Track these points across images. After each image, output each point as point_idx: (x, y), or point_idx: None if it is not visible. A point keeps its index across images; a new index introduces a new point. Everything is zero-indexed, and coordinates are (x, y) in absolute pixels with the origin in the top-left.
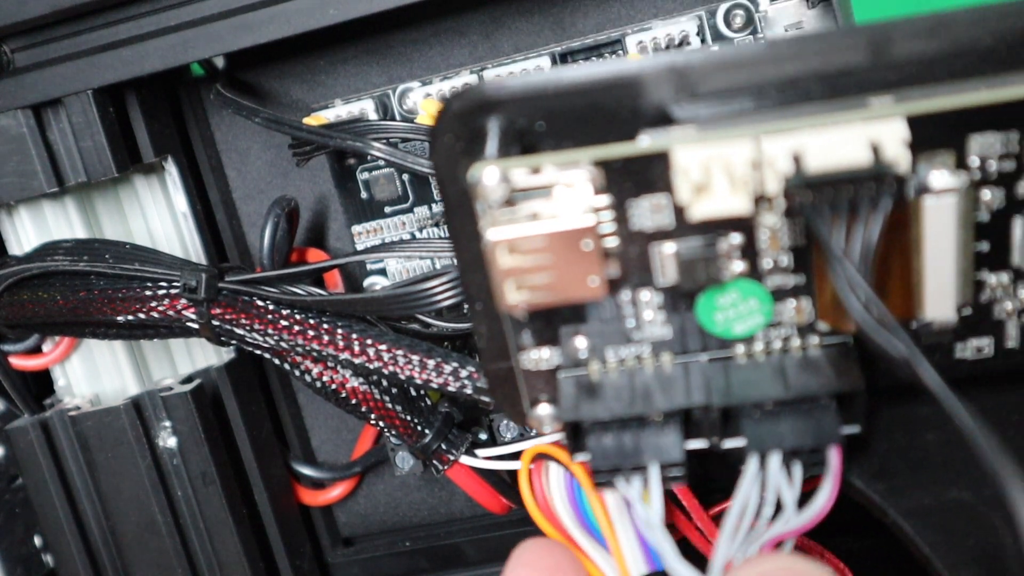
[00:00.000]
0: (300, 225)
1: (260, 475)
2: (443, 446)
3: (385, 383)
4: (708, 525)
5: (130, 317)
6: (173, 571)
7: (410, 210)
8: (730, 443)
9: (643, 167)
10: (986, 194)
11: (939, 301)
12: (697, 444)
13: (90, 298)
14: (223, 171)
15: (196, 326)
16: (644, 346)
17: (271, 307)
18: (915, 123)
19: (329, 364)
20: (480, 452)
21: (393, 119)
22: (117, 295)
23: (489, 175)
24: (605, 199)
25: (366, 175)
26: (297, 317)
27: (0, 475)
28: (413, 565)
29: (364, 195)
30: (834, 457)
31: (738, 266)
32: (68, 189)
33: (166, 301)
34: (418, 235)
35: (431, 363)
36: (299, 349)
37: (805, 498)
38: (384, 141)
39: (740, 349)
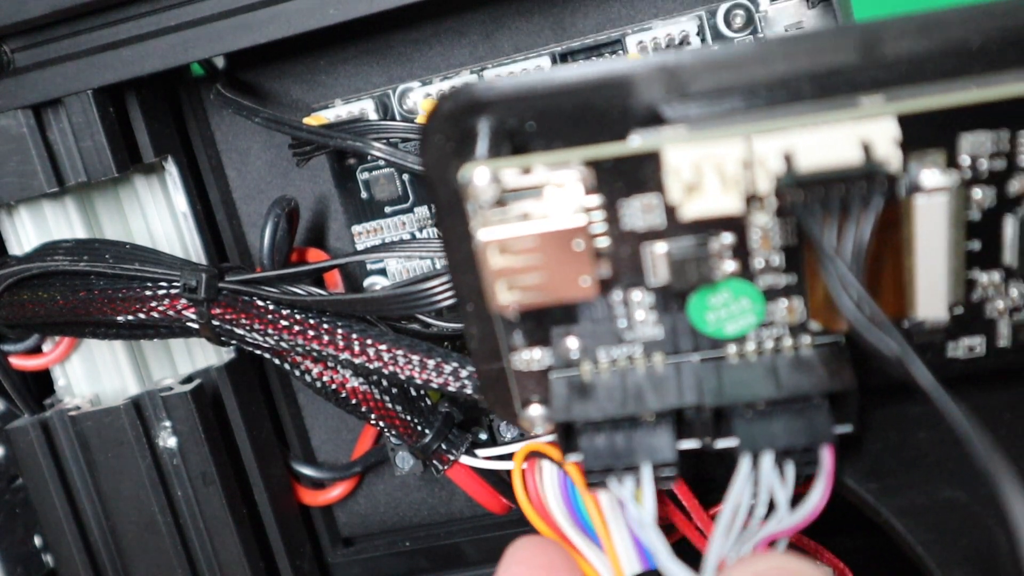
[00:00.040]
0: (300, 225)
1: (260, 475)
2: (443, 446)
3: (385, 383)
4: (707, 524)
5: (130, 317)
6: (173, 571)
7: (410, 210)
8: (722, 443)
9: (634, 167)
10: (977, 193)
11: (931, 300)
12: (689, 444)
13: (90, 298)
14: (223, 171)
15: (196, 326)
16: (636, 346)
17: (271, 307)
18: (906, 122)
19: (329, 364)
20: (480, 452)
21: (393, 119)
22: (117, 295)
23: (480, 175)
24: (596, 199)
25: (366, 175)
26: (297, 317)
27: (0, 475)
28: (413, 565)
29: (364, 195)
30: (827, 456)
31: (730, 266)
32: (68, 189)
33: (166, 301)
34: (418, 235)
35: (431, 363)
36: (299, 349)
37: (800, 499)
38: (384, 141)
39: (732, 349)
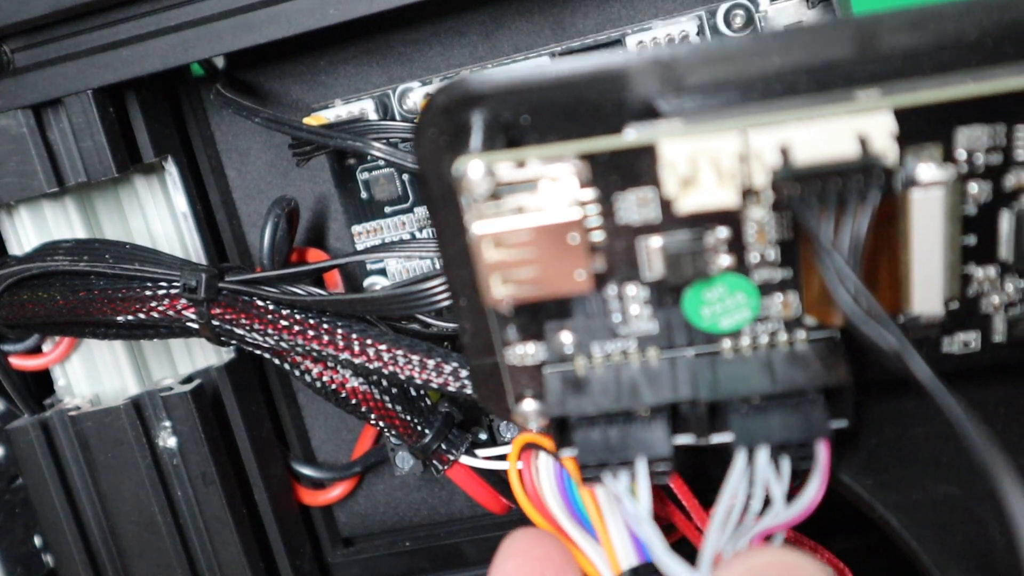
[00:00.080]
0: (300, 225)
1: (260, 475)
2: (443, 446)
3: (385, 383)
4: (707, 524)
5: (130, 317)
6: (173, 571)
7: (410, 210)
8: (718, 438)
9: (629, 160)
10: (973, 187)
11: (926, 295)
12: (684, 439)
13: (90, 298)
14: (223, 171)
15: (196, 326)
16: (630, 341)
17: (271, 307)
18: (902, 116)
19: (329, 364)
20: (480, 452)
21: (393, 119)
22: (117, 295)
23: (474, 169)
24: (591, 193)
25: (366, 175)
26: (297, 317)
27: (0, 475)
28: (413, 565)
29: (364, 195)
30: (822, 451)
31: (725, 260)
32: (68, 189)
33: (166, 301)
34: (418, 235)
35: (431, 363)
36: (299, 349)
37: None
38: (384, 141)
39: (727, 344)
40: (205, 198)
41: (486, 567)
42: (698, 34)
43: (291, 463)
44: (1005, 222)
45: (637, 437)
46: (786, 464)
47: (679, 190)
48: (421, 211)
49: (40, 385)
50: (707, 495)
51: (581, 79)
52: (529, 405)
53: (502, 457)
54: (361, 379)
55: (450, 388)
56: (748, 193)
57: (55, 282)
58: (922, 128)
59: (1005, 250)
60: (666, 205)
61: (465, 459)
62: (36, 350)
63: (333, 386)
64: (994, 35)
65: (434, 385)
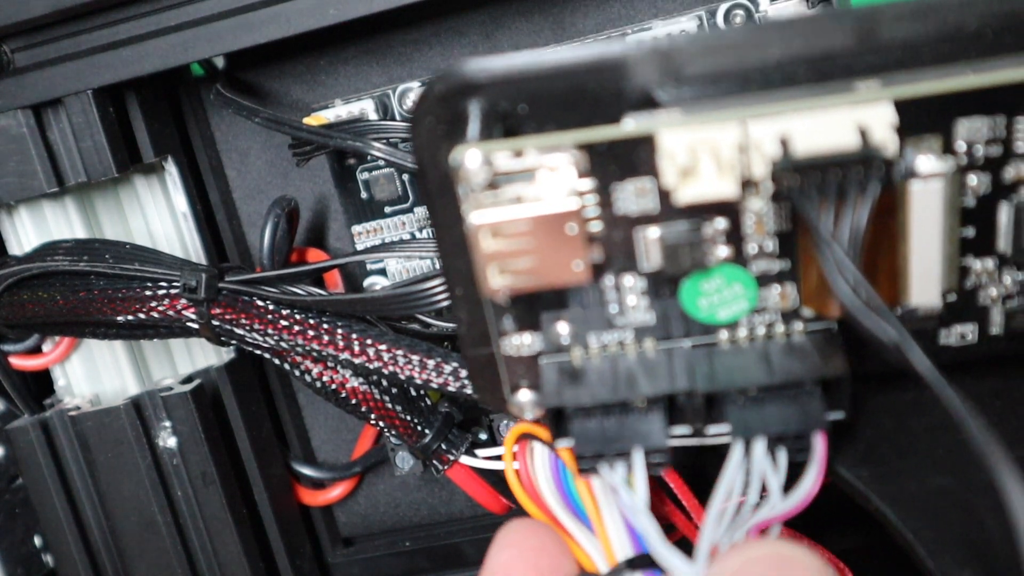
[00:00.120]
0: (300, 225)
1: (260, 475)
2: (443, 446)
3: (385, 383)
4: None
5: (130, 317)
6: (173, 571)
7: (410, 210)
8: (714, 429)
9: (628, 151)
10: (972, 179)
11: (924, 287)
12: (681, 430)
13: (90, 298)
14: (223, 171)
15: (196, 326)
16: (627, 332)
17: (271, 307)
18: (902, 107)
19: (329, 364)
20: (480, 452)
21: (393, 119)
22: (117, 295)
23: (471, 158)
24: (589, 183)
25: (366, 175)
26: (297, 317)
27: (0, 475)
28: (413, 565)
29: (364, 195)
30: (819, 443)
31: (723, 251)
32: (68, 189)
33: (166, 301)
34: (418, 235)
35: (431, 363)
36: (299, 349)
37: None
38: (384, 141)
39: (724, 335)
40: (205, 198)
41: None
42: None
43: (291, 463)
44: (1004, 214)
45: (633, 428)
46: (783, 456)
47: (678, 181)
48: (421, 211)
49: (40, 385)
50: (707, 495)
51: (580, 68)
52: (525, 396)
53: (502, 457)
54: (361, 379)
55: (450, 388)
56: (747, 184)
57: (55, 282)
58: (922, 119)
59: (1003, 242)
60: (664, 196)
61: (465, 459)
62: (36, 350)
63: (333, 386)
64: (995, 26)
65: (434, 385)
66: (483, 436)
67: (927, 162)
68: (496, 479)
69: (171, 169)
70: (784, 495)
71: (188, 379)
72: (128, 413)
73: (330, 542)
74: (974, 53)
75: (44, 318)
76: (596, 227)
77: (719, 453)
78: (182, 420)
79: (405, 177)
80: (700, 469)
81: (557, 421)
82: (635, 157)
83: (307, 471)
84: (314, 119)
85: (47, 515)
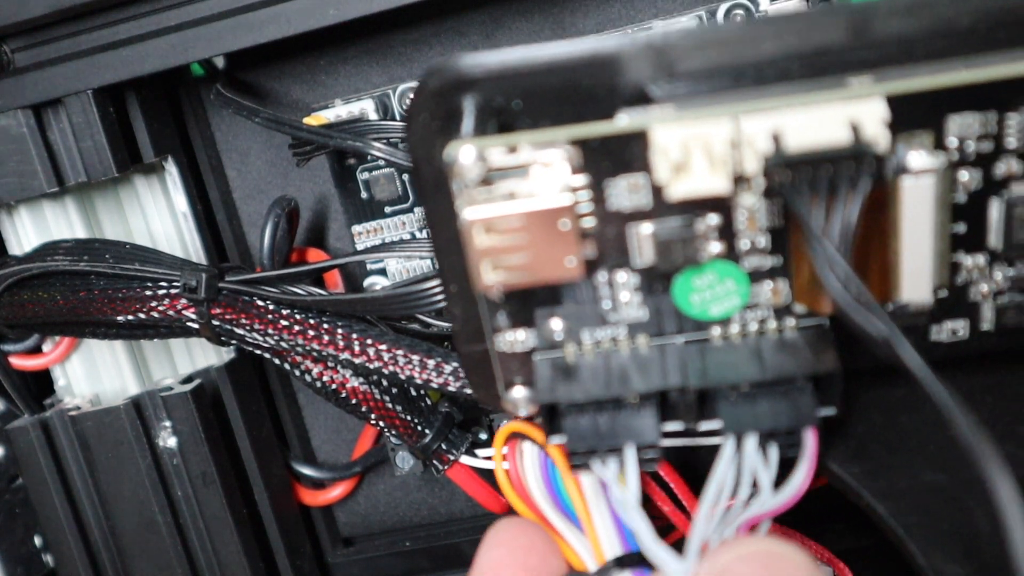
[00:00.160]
0: (300, 225)
1: (260, 475)
2: (443, 446)
3: (385, 383)
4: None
5: (130, 317)
6: (173, 571)
7: (410, 210)
8: (706, 425)
9: (621, 146)
10: (963, 175)
11: (916, 283)
12: (673, 426)
13: (90, 298)
14: (223, 171)
15: (196, 326)
16: (620, 328)
17: (271, 307)
18: (894, 103)
19: (329, 364)
20: (480, 452)
21: (393, 119)
22: (117, 295)
23: (465, 154)
24: (582, 179)
25: (366, 175)
26: (297, 317)
27: (0, 475)
28: (413, 565)
29: (364, 195)
30: (810, 439)
31: (715, 247)
32: (68, 189)
33: (166, 301)
34: (418, 235)
35: (431, 363)
36: (299, 349)
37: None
38: (384, 141)
39: (716, 331)
40: (205, 198)
41: None
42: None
43: (291, 463)
44: (995, 210)
45: (626, 424)
46: (774, 451)
47: (670, 176)
48: (421, 211)
49: (40, 385)
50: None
51: (574, 64)
52: (519, 392)
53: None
54: (361, 379)
55: (450, 388)
56: (740, 180)
57: (55, 282)
58: (914, 115)
59: (994, 238)
60: (657, 191)
61: (465, 459)
62: (36, 350)
63: (333, 386)
64: (987, 22)
65: (434, 385)
66: (483, 436)
67: (918, 158)
68: (496, 479)
69: (171, 169)
70: (775, 491)
71: (188, 379)
72: (128, 413)
73: (330, 542)
74: (966, 49)
75: (44, 318)
76: (589, 223)
77: (712, 448)
78: (182, 420)
79: (405, 177)
80: (694, 465)
81: (550, 417)
82: (628, 153)
83: (307, 471)
84: (314, 119)
85: (47, 515)
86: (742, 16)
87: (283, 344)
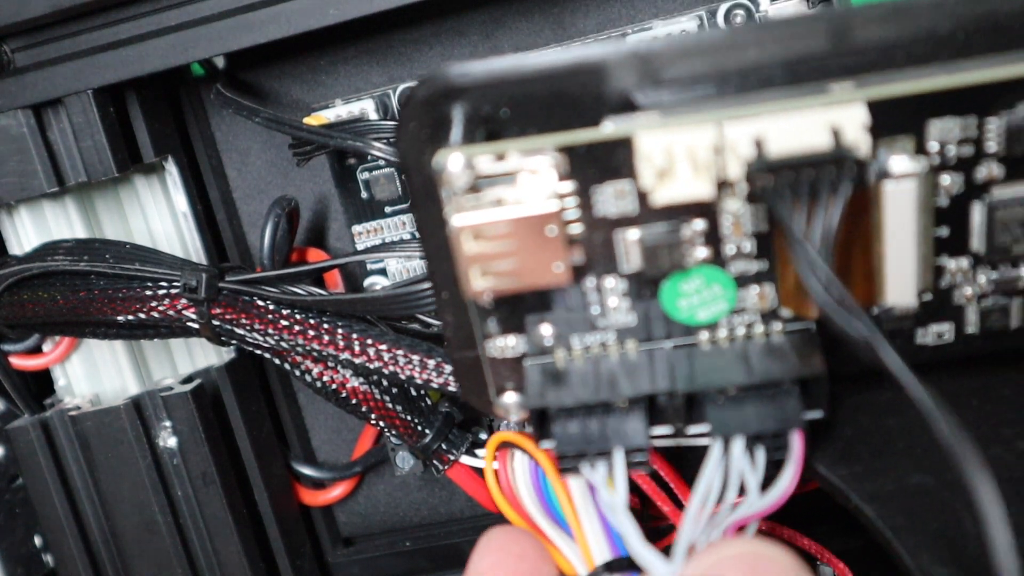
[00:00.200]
0: (300, 225)
1: (260, 475)
2: (443, 446)
3: (385, 383)
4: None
5: (130, 317)
6: (173, 571)
7: (410, 210)
8: (694, 429)
9: (607, 153)
10: (945, 179)
11: (900, 286)
12: (662, 430)
13: (90, 298)
14: (223, 171)
15: (196, 326)
16: (609, 333)
17: (271, 307)
18: (875, 108)
19: (329, 364)
20: (480, 452)
21: (393, 119)
22: (117, 295)
23: (454, 162)
24: (569, 185)
25: (366, 175)
26: (297, 317)
27: (0, 475)
28: (413, 565)
29: (364, 195)
30: (796, 441)
31: (702, 252)
32: (68, 189)
33: (166, 301)
34: (418, 235)
35: (431, 363)
36: (299, 349)
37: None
38: (384, 141)
39: (704, 335)
40: (205, 198)
41: None
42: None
43: (291, 463)
44: (977, 214)
45: (615, 428)
46: (761, 454)
47: (655, 182)
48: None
49: (40, 385)
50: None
51: (560, 72)
52: (510, 397)
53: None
54: (361, 379)
55: (451, 388)
56: (723, 185)
57: (55, 282)
58: (895, 120)
59: (977, 241)
60: (643, 197)
61: (465, 459)
62: (36, 350)
63: (333, 386)
64: (966, 28)
65: (434, 385)
66: (483, 436)
67: (900, 162)
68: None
69: (171, 169)
70: (762, 493)
71: (188, 379)
72: (128, 413)
73: (330, 542)
74: (946, 55)
75: (44, 318)
76: (576, 229)
77: (702, 448)
78: (182, 420)
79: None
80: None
81: (540, 422)
82: (614, 159)
83: (307, 471)
84: (314, 119)
85: (47, 515)
86: (742, 16)
87: (283, 344)
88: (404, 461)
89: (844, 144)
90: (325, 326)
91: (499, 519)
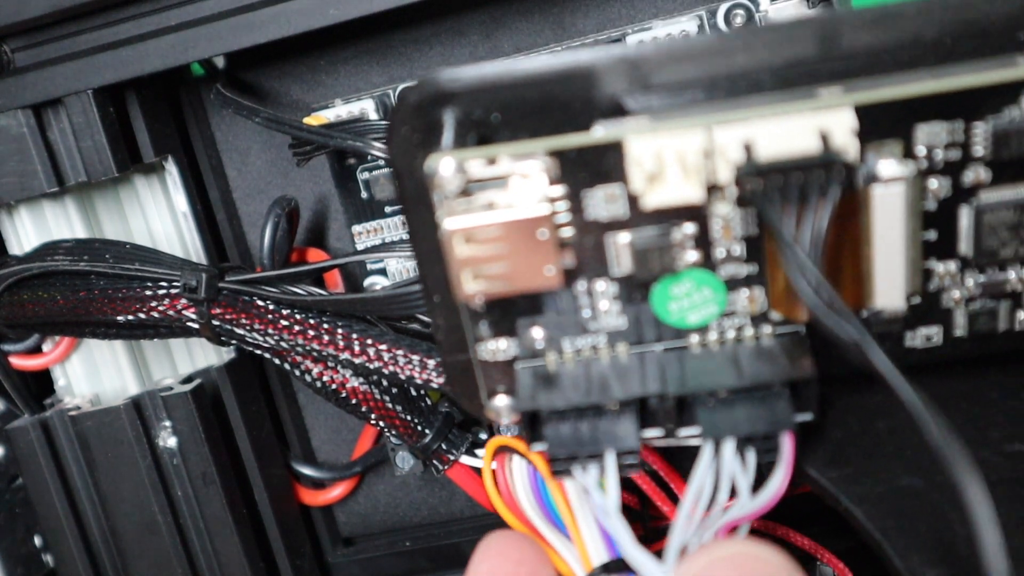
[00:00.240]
0: (300, 225)
1: (260, 475)
2: (443, 446)
3: (385, 383)
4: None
5: (130, 317)
6: (173, 571)
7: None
8: (685, 431)
9: (597, 157)
10: (933, 183)
11: (889, 290)
12: (653, 432)
13: (90, 298)
14: (223, 171)
15: (196, 326)
16: (600, 336)
17: (271, 307)
18: (863, 112)
19: (329, 364)
20: (480, 452)
21: None
22: (117, 295)
23: (445, 166)
24: (560, 189)
25: (366, 175)
26: (297, 317)
27: (0, 475)
28: (413, 565)
29: (364, 195)
30: (787, 443)
31: (692, 256)
32: (68, 189)
33: (166, 301)
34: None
35: (431, 363)
36: (299, 349)
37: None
38: (384, 141)
39: (694, 338)
40: (205, 198)
41: None
42: (698, 34)
43: (291, 463)
44: (964, 217)
45: (606, 431)
46: (751, 456)
47: (646, 186)
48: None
49: (40, 385)
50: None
51: (550, 77)
52: (501, 400)
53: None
54: (361, 379)
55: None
56: (713, 189)
57: (55, 282)
58: (883, 125)
59: (965, 245)
60: (633, 201)
61: (465, 459)
62: (36, 350)
63: (333, 386)
64: (953, 33)
65: (434, 385)
66: (483, 436)
67: (888, 166)
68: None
69: (171, 169)
70: (752, 495)
71: (188, 379)
72: (128, 413)
73: (330, 542)
74: (933, 60)
75: (44, 318)
76: (567, 233)
77: (691, 453)
78: (182, 420)
79: None
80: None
81: (532, 425)
82: (605, 163)
83: (307, 471)
84: (314, 119)
85: (47, 515)
86: (742, 16)
87: (283, 344)
88: (404, 461)
89: (833, 148)
90: (325, 326)
91: (499, 519)
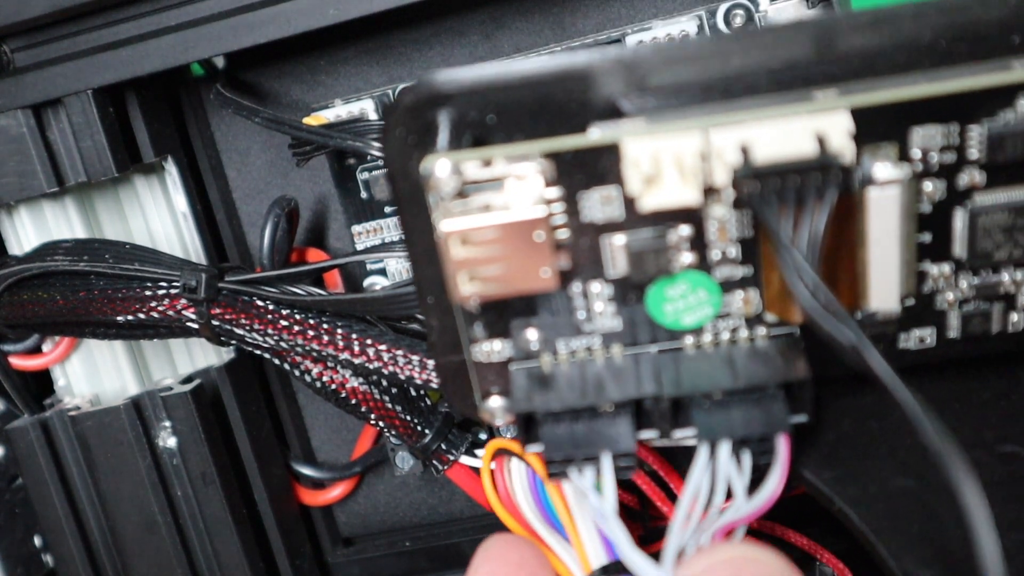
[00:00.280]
0: (300, 225)
1: (260, 475)
2: (443, 446)
3: (385, 383)
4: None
5: (130, 317)
6: (173, 571)
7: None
8: (681, 433)
9: (593, 159)
10: (928, 186)
11: (883, 292)
12: (648, 434)
13: (90, 298)
14: (223, 171)
15: (196, 326)
16: (595, 338)
17: (271, 307)
18: (859, 115)
19: (329, 364)
20: (480, 452)
21: None
22: (117, 295)
23: (441, 167)
24: (556, 191)
25: (366, 175)
26: (297, 317)
27: (0, 475)
28: (413, 565)
29: (364, 195)
30: (782, 445)
31: (687, 258)
32: (68, 189)
33: (166, 301)
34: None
35: (431, 363)
36: (299, 349)
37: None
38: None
39: (689, 340)
40: (205, 198)
41: None
42: (698, 34)
43: (291, 463)
44: (959, 220)
45: (602, 433)
46: (747, 458)
47: (642, 188)
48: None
49: (40, 385)
50: None
51: (546, 79)
52: (495, 402)
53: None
54: (361, 379)
55: None
56: (709, 191)
57: (55, 282)
58: (878, 127)
59: (959, 247)
60: (629, 203)
61: (465, 459)
62: (36, 350)
63: (333, 386)
64: (948, 37)
65: (434, 385)
66: (483, 436)
67: (884, 169)
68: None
69: (171, 169)
70: (749, 497)
71: (188, 379)
72: (128, 413)
73: (330, 542)
74: (928, 63)
75: (44, 318)
76: (563, 235)
77: (690, 452)
78: (182, 420)
79: None
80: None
81: (527, 427)
82: (601, 166)
83: (307, 471)
84: (314, 119)
85: (47, 515)
86: (742, 16)
87: (283, 344)
88: (404, 461)
89: (829, 151)
90: (325, 326)
91: (498, 520)
